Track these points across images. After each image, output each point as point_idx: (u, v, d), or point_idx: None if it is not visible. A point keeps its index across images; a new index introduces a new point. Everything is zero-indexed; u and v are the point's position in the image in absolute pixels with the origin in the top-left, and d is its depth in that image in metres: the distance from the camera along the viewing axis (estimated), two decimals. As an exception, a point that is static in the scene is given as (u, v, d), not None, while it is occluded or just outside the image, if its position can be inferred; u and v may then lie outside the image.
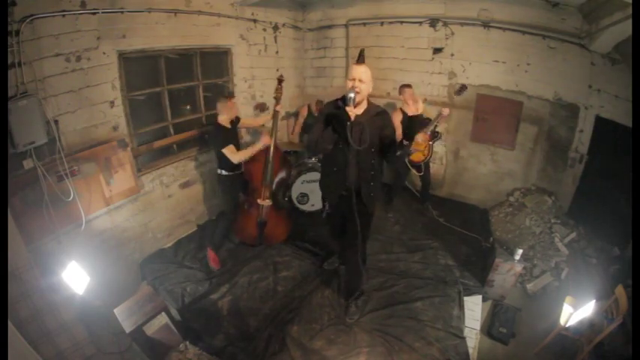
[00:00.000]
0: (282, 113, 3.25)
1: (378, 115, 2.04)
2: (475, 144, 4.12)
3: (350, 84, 1.92)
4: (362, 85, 1.92)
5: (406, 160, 3.65)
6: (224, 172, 2.97)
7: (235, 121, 3.04)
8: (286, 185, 3.79)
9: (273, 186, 3.16)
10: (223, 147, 2.80)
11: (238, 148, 3.01)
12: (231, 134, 2.95)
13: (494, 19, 3.55)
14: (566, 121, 3.51)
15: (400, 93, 3.53)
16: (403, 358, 2.21)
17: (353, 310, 2.54)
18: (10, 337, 1.71)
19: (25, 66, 2.10)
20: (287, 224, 3.42)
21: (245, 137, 4.21)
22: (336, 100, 2.10)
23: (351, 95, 1.83)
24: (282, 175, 3.25)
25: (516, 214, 3.70)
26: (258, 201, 3.09)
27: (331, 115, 1.97)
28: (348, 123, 1.88)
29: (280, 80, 3.18)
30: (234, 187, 3.09)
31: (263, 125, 3.61)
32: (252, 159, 3.01)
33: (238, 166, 2.98)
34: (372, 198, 2.16)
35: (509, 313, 2.75)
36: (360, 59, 2.01)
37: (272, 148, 3.01)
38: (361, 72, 1.92)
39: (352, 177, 2.08)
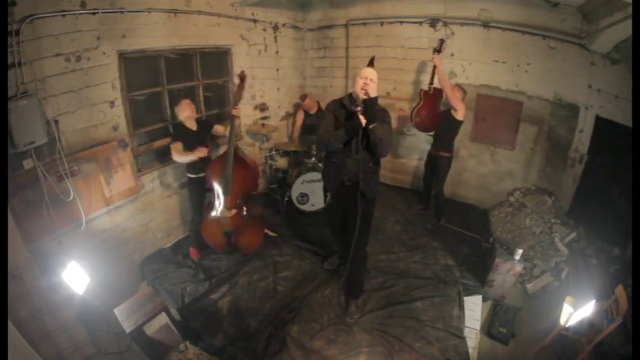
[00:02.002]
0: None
1: (379, 112, 2.14)
2: (475, 144, 4.12)
3: (361, 82, 2.06)
4: (372, 84, 2.06)
5: None
6: (188, 175, 2.96)
7: (203, 125, 2.97)
8: (286, 185, 3.80)
9: (238, 197, 2.92)
10: (171, 142, 2.78)
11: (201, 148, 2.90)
12: (191, 136, 2.82)
13: (494, 19, 3.55)
14: (566, 121, 3.51)
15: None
16: (403, 358, 2.21)
17: (353, 309, 2.54)
18: (10, 337, 1.71)
19: (25, 66, 2.10)
20: (258, 236, 3.14)
21: (245, 138, 4.22)
22: (341, 99, 2.23)
23: (365, 96, 2.01)
24: (246, 185, 2.97)
25: (516, 214, 3.70)
26: (220, 211, 2.89)
27: (345, 120, 2.13)
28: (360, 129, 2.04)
29: (242, 78, 2.97)
30: (198, 190, 3.00)
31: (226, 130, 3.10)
32: (211, 167, 2.86)
33: (201, 168, 2.91)
34: (370, 187, 2.24)
35: (509, 313, 2.75)
36: (371, 64, 2.18)
37: (231, 156, 2.77)
38: (372, 73, 2.11)
39: (353, 168, 2.19)
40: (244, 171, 2.93)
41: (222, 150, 3.28)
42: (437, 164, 3.49)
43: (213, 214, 2.94)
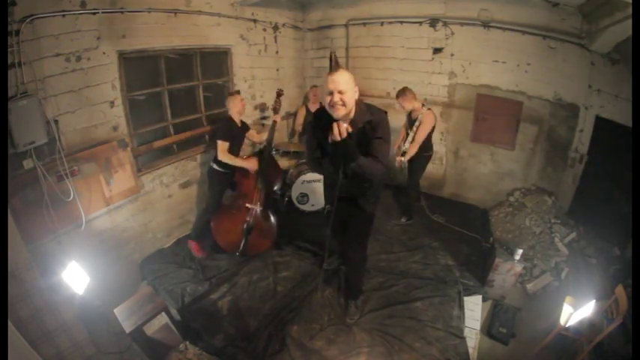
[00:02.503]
0: (279, 121, 3.22)
1: (369, 123, 1.76)
2: (475, 144, 4.12)
3: (328, 99, 1.63)
4: (344, 97, 1.62)
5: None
6: (215, 166, 3.02)
7: (244, 126, 3.11)
8: (286, 185, 3.80)
9: (265, 194, 3.11)
10: (220, 138, 2.86)
11: (239, 150, 3.06)
12: (237, 133, 3.00)
13: (495, 19, 3.55)
14: (566, 121, 3.51)
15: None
16: (403, 358, 2.21)
17: (353, 310, 2.54)
18: (10, 337, 1.71)
19: (25, 66, 2.10)
20: (271, 236, 3.21)
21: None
22: (322, 108, 1.83)
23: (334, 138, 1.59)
24: (273, 183, 3.22)
25: (516, 214, 3.70)
26: (247, 205, 3.02)
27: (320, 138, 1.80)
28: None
29: (279, 94, 3.26)
30: (222, 184, 3.10)
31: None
32: (247, 160, 3.05)
33: (230, 165, 2.99)
34: (368, 202, 2.11)
35: (509, 313, 2.75)
36: (334, 66, 1.85)
37: (267, 156, 3.06)
38: (339, 81, 1.61)
39: (345, 187, 1.93)
40: (275, 169, 3.23)
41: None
42: (414, 162, 3.41)
43: (235, 209, 3.07)
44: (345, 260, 2.81)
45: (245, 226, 3.04)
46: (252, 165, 2.98)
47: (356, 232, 2.29)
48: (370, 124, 1.74)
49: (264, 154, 3.10)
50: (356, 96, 1.72)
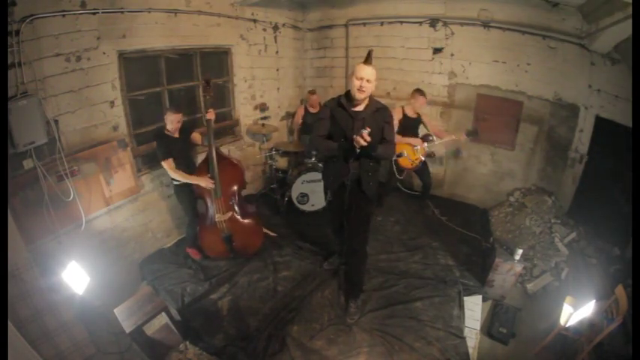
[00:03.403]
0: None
1: (378, 111, 2.11)
2: (475, 144, 4.12)
3: (358, 83, 1.97)
4: (368, 85, 1.98)
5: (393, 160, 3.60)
6: (174, 181, 2.83)
7: (183, 134, 2.83)
8: (286, 185, 3.80)
9: (230, 199, 2.90)
10: (162, 158, 2.67)
11: (190, 160, 2.90)
12: (176, 145, 2.75)
13: (494, 19, 3.55)
14: (566, 121, 3.51)
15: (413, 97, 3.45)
16: (403, 358, 2.21)
17: (353, 310, 2.54)
18: (10, 337, 1.71)
19: (25, 66, 2.10)
20: (258, 234, 3.13)
21: (245, 138, 4.22)
22: (339, 97, 2.16)
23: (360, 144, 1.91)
24: (235, 183, 2.93)
25: (516, 214, 3.70)
26: (216, 217, 2.85)
27: (335, 117, 2.10)
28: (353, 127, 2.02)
29: (207, 81, 2.84)
30: (188, 195, 2.88)
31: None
32: (198, 173, 2.81)
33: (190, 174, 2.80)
34: (371, 187, 2.22)
35: (509, 313, 2.75)
36: (369, 60, 2.05)
37: (214, 157, 2.73)
38: (369, 72, 1.98)
39: (353, 168, 2.15)
40: (230, 170, 2.90)
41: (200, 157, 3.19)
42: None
43: (208, 222, 2.89)
44: (348, 255, 2.75)
45: (222, 236, 2.91)
46: (205, 182, 2.73)
47: (359, 220, 2.32)
48: (379, 112, 2.13)
49: (210, 160, 2.75)
50: (373, 88, 2.06)
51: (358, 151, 1.98)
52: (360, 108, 2.09)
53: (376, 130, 2.03)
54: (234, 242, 2.97)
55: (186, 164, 2.83)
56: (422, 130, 3.64)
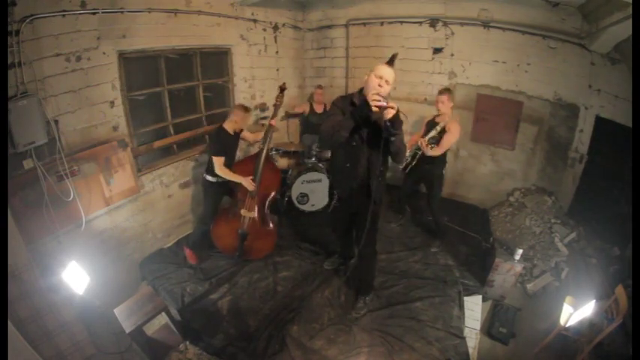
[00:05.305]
0: (274, 126, 3.03)
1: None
2: (475, 144, 4.12)
3: (377, 81, 1.91)
4: (387, 87, 1.92)
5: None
6: (208, 177, 2.90)
7: (238, 131, 2.97)
8: (286, 185, 3.80)
9: (261, 201, 2.99)
10: (215, 154, 2.77)
11: (234, 156, 2.98)
12: (230, 142, 2.88)
13: (494, 19, 3.55)
14: (566, 121, 3.51)
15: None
16: (403, 358, 2.21)
17: (361, 304, 2.55)
18: (10, 337, 1.71)
19: (25, 66, 2.10)
20: (270, 242, 3.16)
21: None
22: (351, 95, 2.12)
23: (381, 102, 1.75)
24: (272, 189, 3.03)
25: (516, 214, 3.70)
26: (242, 212, 2.93)
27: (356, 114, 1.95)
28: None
29: (282, 89, 3.05)
30: (216, 194, 2.99)
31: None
32: (242, 167, 2.93)
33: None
34: (379, 191, 2.20)
35: (509, 313, 2.75)
36: (392, 62, 2.00)
37: (262, 159, 2.88)
38: (390, 73, 1.94)
39: (363, 172, 2.13)
40: (271, 174, 3.02)
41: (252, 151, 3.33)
42: (435, 171, 3.12)
43: (231, 214, 2.97)
44: (359, 256, 2.73)
45: (239, 231, 2.96)
46: (247, 183, 2.83)
47: (366, 226, 2.26)
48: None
49: (257, 160, 2.91)
50: (389, 92, 1.96)
51: (384, 129, 1.81)
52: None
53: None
54: (246, 241, 3.00)
55: (230, 160, 2.92)
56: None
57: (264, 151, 2.90)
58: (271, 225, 3.11)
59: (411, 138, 3.25)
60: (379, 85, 1.89)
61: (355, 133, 2.00)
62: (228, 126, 2.86)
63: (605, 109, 3.09)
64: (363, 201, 2.19)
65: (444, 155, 3.04)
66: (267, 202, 3.04)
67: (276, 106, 3.05)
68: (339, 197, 2.45)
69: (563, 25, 3.20)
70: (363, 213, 2.24)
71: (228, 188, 2.99)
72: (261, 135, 3.11)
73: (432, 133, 3.00)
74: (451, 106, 2.97)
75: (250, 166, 2.93)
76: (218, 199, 3.03)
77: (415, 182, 3.40)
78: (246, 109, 2.88)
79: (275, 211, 3.26)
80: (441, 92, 3.00)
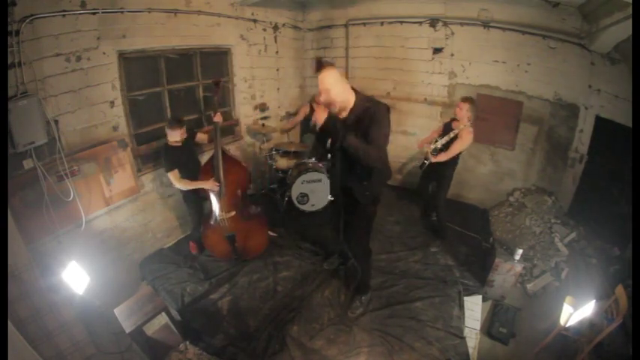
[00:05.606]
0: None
1: (365, 111, 1.88)
2: (475, 144, 4.09)
3: (322, 97, 1.86)
4: (330, 94, 1.82)
5: None
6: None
7: (187, 141, 2.84)
8: (286, 185, 3.80)
9: (234, 198, 2.88)
10: (167, 170, 2.73)
11: (195, 163, 2.93)
12: (179, 154, 2.77)
13: (494, 19, 3.55)
14: (566, 121, 3.51)
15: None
16: (403, 358, 2.21)
17: (357, 304, 2.55)
18: (10, 337, 1.71)
19: (25, 66, 2.10)
20: (262, 234, 3.12)
21: (246, 137, 4.21)
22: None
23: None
24: (239, 183, 2.91)
25: (516, 214, 3.70)
26: (219, 215, 2.85)
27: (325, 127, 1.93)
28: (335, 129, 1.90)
29: (217, 82, 2.91)
30: (194, 201, 2.96)
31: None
32: (202, 173, 2.84)
33: (192, 180, 2.84)
34: (365, 196, 2.13)
35: (509, 313, 2.75)
36: (319, 67, 1.94)
37: (219, 158, 2.75)
38: (321, 81, 1.83)
39: (344, 177, 2.13)
40: (235, 169, 2.88)
41: (207, 156, 3.16)
42: (443, 174, 3.15)
43: (212, 221, 2.90)
44: (351, 255, 2.81)
45: (226, 235, 2.90)
46: (210, 185, 2.75)
47: (352, 225, 2.34)
48: (366, 112, 1.87)
49: (215, 160, 2.78)
50: (344, 90, 1.87)
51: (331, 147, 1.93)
52: (344, 114, 1.94)
53: (363, 133, 1.86)
54: (236, 242, 2.97)
55: (192, 168, 2.87)
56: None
57: (219, 151, 2.75)
58: (256, 218, 3.05)
59: (422, 139, 3.35)
60: (323, 98, 1.85)
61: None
62: (170, 140, 2.75)
63: (605, 109, 3.09)
64: (349, 201, 2.20)
65: (456, 157, 3.05)
66: (240, 196, 2.94)
67: (214, 101, 2.95)
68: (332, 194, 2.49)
69: (563, 25, 3.20)
70: (349, 213, 2.28)
71: (203, 195, 2.92)
72: (204, 136, 3.05)
73: (443, 140, 3.01)
74: (469, 116, 2.92)
75: (210, 168, 2.83)
76: (198, 204, 3.02)
77: (428, 182, 3.43)
78: (175, 126, 2.69)
79: (255, 207, 3.16)
80: (464, 100, 2.98)
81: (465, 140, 2.93)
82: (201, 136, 3.04)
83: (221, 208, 2.85)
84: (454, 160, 3.07)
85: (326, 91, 1.82)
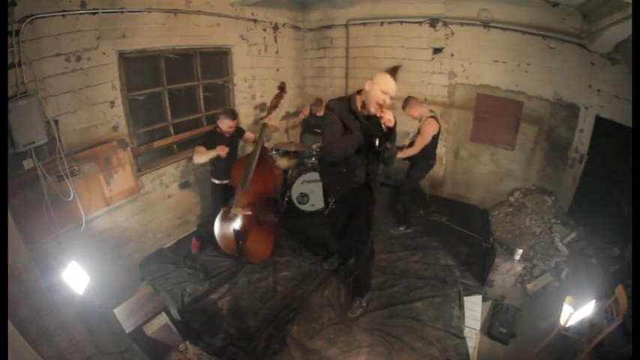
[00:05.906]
0: (275, 125, 3.03)
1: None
2: (475, 144, 4.12)
3: (381, 97, 1.89)
4: (388, 103, 1.92)
5: None
6: (213, 180, 3.06)
7: (237, 133, 3.01)
8: (286, 185, 3.80)
9: (255, 198, 2.92)
10: (197, 145, 2.83)
11: (230, 157, 2.96)
12: (220, 142, 2.83)
13: (494, 19, 3.55)
14: (566, 121, 3.51)
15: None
16: (403, 357, 2.21)
17: (357, 304, 2.55)
18: (10, 337, 1.71)
19: (25, 66, 2.10)
20: (269, 243, 3.10)
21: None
22: (348, 102, 2.06)
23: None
24: (266, 187, 2.96)
25: (516, 214, 3.70)
26: (234, 209, 2.87)
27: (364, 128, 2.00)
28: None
29: (281, 88, 3.05)
30: (220, 195, 3.06)
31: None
32: (236, 164, 2.95)
33: (226, 175, 2.98)
34: (378, 188, 2.26)
35: (509, 313, 2.75)
36: (394, 74, 1.97)
37: (256, 155, 2.84)
38: (394, 88, 1.93)
39: (363, 176, 2.18)
40: (268, 173, 2.98)
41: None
42: (414, 167, 3.36)
43: (229, 213, 2.93)
44: (347, 259, 2.93)
45: (232, 230, 2.88)
46: (220, 150, 2.78)
47: (360, 227, 2.36)
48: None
49: (250, 155, 2.88)
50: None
51: (377, 143, 1.93)
52: (366, 111, 2.02)
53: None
54: (243, 242, 2.93)
55: (227, 159, 2.91)
56: None
57: (258, 149, 2.86)
58: (268, 227, 3.06)
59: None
60: (384, 101, 1.88)
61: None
62: (219, 126, 2.90)
63: (605, 109, 3.09)
64: (364, 201, 2.24)
65: (427, 152, 3.18)
66: (263, 201, 2.99)
67: (272, 106, 3.02)
68: (335, 200, 2.41)
69: (563, 25, 3.20)
70: (363, 212, 2.31)
71: (231, 191, 3.01)
72: (252, 135, 3.15)
73: (411, 137, 3.24)
74: (420, 112, 3.13)
75: (243, 161, 2.96)
76: (220, 198, 3.08)
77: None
78: (229, 117, 2.86)
79: (277, 213, 3.24)
80: (404, 102, 3.17)
81: (425, 134, 3.09)
82: (249, 135, 3.15)
83: (239, 202, 2.89)
84: (423, 155, 3.20)
85: (389, 97, 1.90)
